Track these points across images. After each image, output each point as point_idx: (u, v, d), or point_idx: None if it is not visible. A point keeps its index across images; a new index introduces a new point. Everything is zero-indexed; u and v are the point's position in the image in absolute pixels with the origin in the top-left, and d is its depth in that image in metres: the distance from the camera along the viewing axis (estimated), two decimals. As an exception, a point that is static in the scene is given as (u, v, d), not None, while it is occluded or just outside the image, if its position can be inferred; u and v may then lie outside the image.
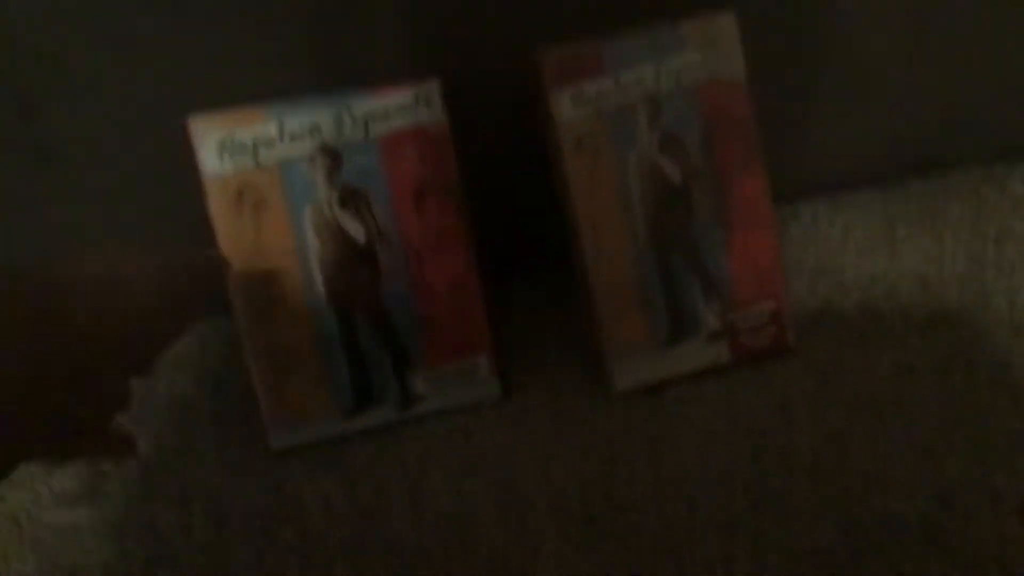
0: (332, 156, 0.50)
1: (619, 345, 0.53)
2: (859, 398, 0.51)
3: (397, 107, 0.50)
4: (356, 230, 0.51)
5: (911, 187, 0.68)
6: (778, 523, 0.45)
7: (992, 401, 0.50)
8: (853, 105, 0.63)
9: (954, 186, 0.67)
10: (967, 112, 0.66)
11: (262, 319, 0.51)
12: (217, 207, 0.50)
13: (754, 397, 0.53)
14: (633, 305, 0.53)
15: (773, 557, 0.43)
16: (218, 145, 0.49)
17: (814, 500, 0.46)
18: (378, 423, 0.53)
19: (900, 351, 0.54)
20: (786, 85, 0.60)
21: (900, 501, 0.45)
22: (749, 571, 0.43)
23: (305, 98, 0.50)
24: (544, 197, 0.54)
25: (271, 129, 0.49)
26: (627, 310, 0.53)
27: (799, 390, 0.53)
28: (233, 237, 0.50)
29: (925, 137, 0.67)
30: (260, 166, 0.50)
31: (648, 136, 0.51)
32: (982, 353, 0.53)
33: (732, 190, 0.52)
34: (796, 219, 0.65)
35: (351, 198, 0.50)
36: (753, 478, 0.48)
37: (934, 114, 0.66)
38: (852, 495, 0.46)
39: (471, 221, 0.52)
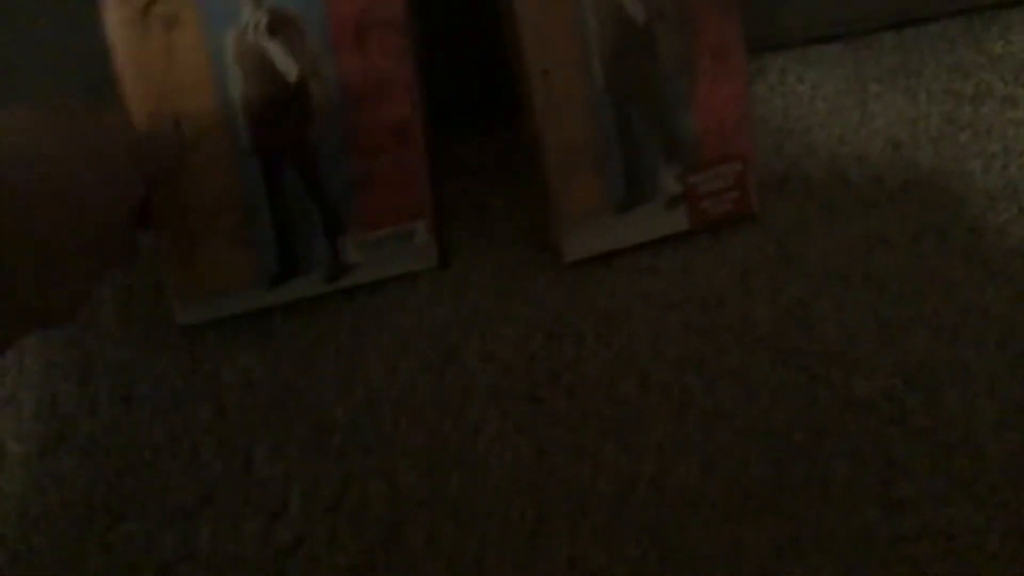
0: None
1: (570, 210, 0.48)
2: (824, 269, 0.48)
3: None
4: (286, 64, 0.43)
5: (885, 41, 0.63)
6: (734, 404, 0.42)
7: (965, 273, 0.47)
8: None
9: (930, 41, 0.62)
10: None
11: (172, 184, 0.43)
12: (116, 25, 0.40)
13: (713, 268, 0.49)
14: (587, 165, 0.47)
15: (728, 437, 0.41)
16: None
17: (773, 379, 0.43)
18: (305, 294, 0.47)
19: (869, 219, 0.50)
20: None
21: (864, 380, 0.42)
22: (702, 454, 0.40)
23: None
24: (490, 39, 0.47)
25: None
26: (580, 170, 0.48)
27: (761, 260, 0.49)
28: (137, 64, 0.41)
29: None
30: None
31: (610, -32, 0.44)
32: (955, 221, 0.49)
33: (701, 34, 0.46)
34: (762, 74, 0.60)
35: (282, 25, 0.42)
36: (709, 355, 0.44)
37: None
38: (813, 374, 0.43)
39: (419, 66, 0.45)
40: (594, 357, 0.45)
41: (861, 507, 0.37)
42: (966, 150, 0.54)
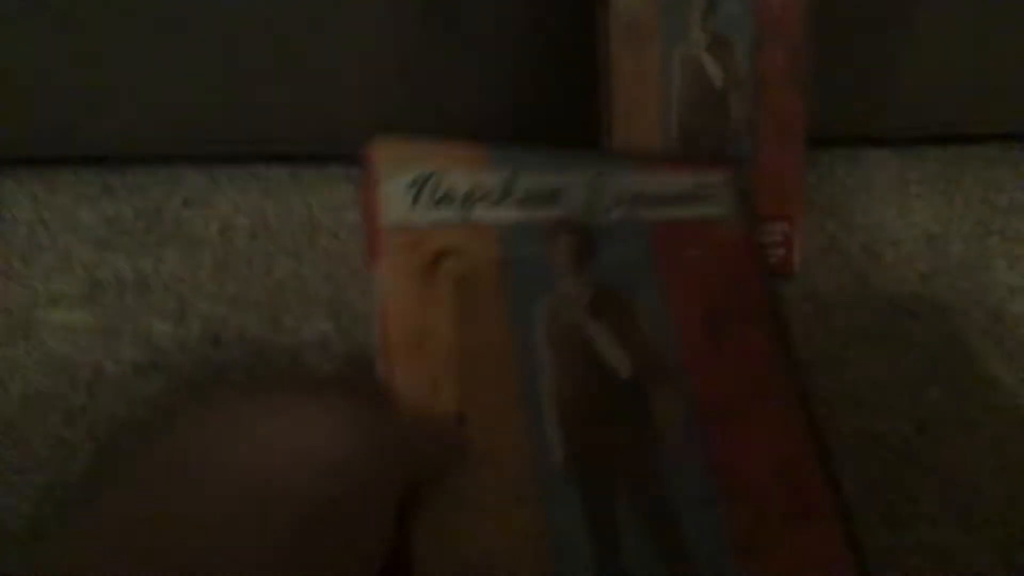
0: (580, 236, 0.34)
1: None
2: (854, 329, 0.53)
3: (673, 193, 0.36)
4: (614, 354, 0.32)
5: (929, 154, 0.69)
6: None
7: (981, 348, 0.51)
8: (892, 61, 0.64)
9: (970, 158, 0.68)
10: (996, 85, 0.67)
11: (442, 523, 0.28)
12: (391, 280, 0.31)
13: (752, 312, 0.54)
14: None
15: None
16: (413, 182, 0.33)
17: (798, 408, 0.47)
18: None
19: (899, 293, 0.55)
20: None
21: (879, 422, 0.46)
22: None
23: (543, 152, 0.35)
24: (576, 78, 0.53)
25: (493, 181, 0.34)
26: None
27: (795, 313, 0.54)
28: (412, 335, 0.31)
29: (952, 106, 0.68)
30: (470, 225, 0.33)
31: (698, 33, 0.51)
32: (978, 305, 0.54)
33: (769, 102, 0.52)
34: (813, 166, 0.66)
35: (610, 305, 0.33)
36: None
37: (964, 85, 0.66)
38: (834, 409, 0.47)
39: (805, 393, 0.34)
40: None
41: (864, 518, 0.41)
42: (994, 249, 0.59)
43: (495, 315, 0.31)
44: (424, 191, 0.33)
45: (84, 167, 0.64)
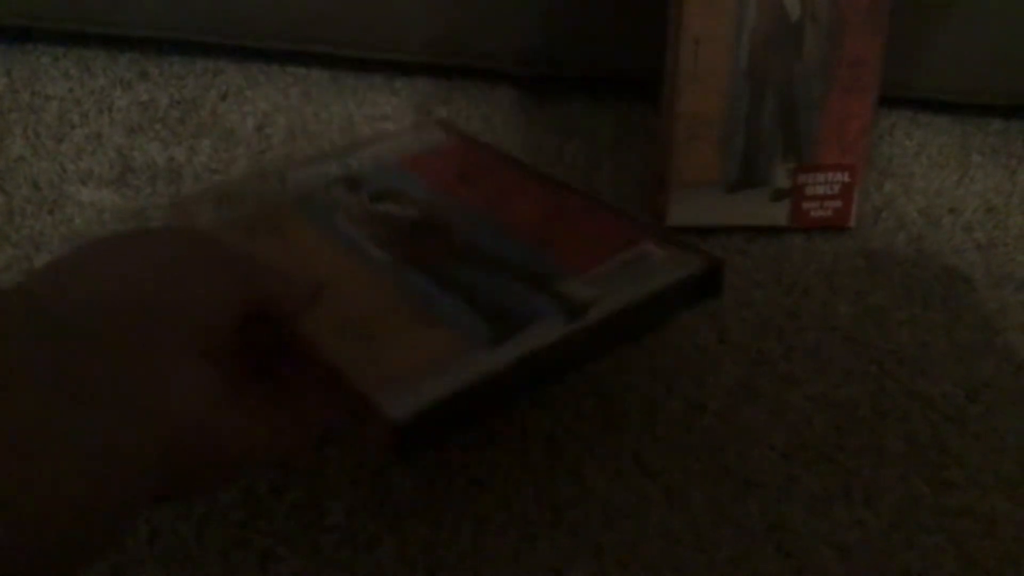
0: (349, 183, 0.47)
1: (685, 177, 0.52)
2: (907, 289, 0.51)
3: (403, 143, 0.50)
4: (398, 211, 0.44)
5: (992, 125, 0.67)
6: (805, 369, 0.44)
7: (1039, 321, 0.49)
8: (963, 25, 0.61)
9: (1034, 135, 0.66)
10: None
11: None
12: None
13: (803, 263, 0.52)
14: (711, 138, 0.51)
15: (796, 397, 0.43)
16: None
17: (845, 362, 0.45)
18: None
19: (955, 259, 0.53)
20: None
21: (929, 383, 0.45)
22: (769, 404, 0.43)
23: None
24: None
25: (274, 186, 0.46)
26: (703, 142, 0.51)
27: (848, 267, 0.52)
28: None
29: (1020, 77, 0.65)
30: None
31: (782, -40, 0.48)
32: (1038, 277, 0.52)
33: (846, 44, 0.50)
34: (874, 125, 0.64)
35: (385, 193, 0.46)
36: (788, 328, 0.47)
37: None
38: (883, 367, 0.45)
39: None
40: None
41: (911, 479, 0.39)
42: (1055, 225, 0.57)
43: (311, 235, 0.42)
44: None
45: (121, 51, 0.62)
